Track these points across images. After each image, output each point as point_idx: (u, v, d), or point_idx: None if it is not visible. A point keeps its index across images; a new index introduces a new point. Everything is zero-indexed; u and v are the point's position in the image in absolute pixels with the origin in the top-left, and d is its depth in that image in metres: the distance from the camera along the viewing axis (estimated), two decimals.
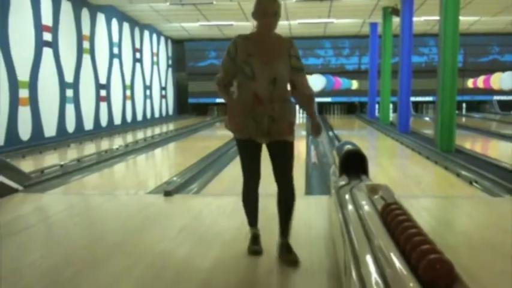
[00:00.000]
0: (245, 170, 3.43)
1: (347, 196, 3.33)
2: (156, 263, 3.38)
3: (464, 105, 24.56)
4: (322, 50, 24.30)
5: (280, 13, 3.24)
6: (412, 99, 17.82)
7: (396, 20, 16.06)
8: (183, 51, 24.53)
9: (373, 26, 19.61)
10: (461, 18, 9.84)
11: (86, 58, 14.34)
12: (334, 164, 4.47)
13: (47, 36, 12.04)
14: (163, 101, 22.63)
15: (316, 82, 24.19)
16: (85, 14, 14.26)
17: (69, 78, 13.22)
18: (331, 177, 4.42)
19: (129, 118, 17.97)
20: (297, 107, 3.68)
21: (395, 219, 2.35)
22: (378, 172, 6.87)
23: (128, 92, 17.95)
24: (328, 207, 4.48)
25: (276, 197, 3.37)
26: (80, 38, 13.89)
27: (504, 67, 24.23)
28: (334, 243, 3.37)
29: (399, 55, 14.06)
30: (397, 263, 1.91)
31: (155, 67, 21.34)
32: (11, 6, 10.51)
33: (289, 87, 3.35)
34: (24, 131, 11.00)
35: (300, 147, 10.62)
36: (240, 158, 3.44)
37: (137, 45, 18.89)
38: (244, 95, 3.26)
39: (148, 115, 20.28)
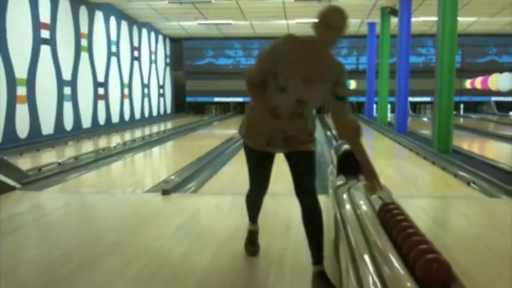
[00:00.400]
0: (252, 178, 3.16)
1: (345, 196, 3.33)
2: (153, 261, 3.38)
3: (462, 105, 24.60)
4: None
5: (345, 30, 2.81)
6: (410, 99, 17.80)
7: (394, 20, 16.07)
8: (181, 49, 24.52)
9: (371, 26, 19.61)
10: (459, 18, 9.85)
11: (84, 56, 14.32)
12: (332, 164, 4.47)
13: (45, 34, 12.02)
14: (161, 99, 22.61)
15: None
16: (83, 11, 14.23)
17: (67, 76, 13.20)
18: (329, 176, 4.42)
19: (127, 116, 17.95)
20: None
21: (392, 219, 2.35)
22: None
23: (126, 90, 17.93)
24: (325, 207, 4.48)
25: (301, 215, 2.96)
26: (78, 35, 13.87)
27: (502, 68, 24.27)
28: (332, 242, 3.37)
29: (397, 55, 14.08)
30: (395, 262, 1.92)
31: (153, 65, 21.32)
32: (8, 3, 10.49)
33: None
34: (22, 128, 10.98)
35: None
36: (247, 165, 3.14)
37: (135, 44, 18.87)
38: (266, 103, 2.88)
39: (146, 113, 20.26)
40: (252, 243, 3.38)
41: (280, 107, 2.83)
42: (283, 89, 2.77)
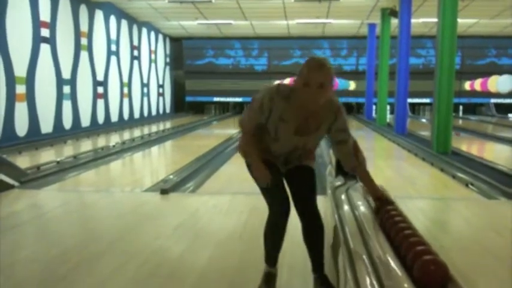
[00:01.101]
0: (270, 197, 2.81)
1: (343, 196, 3.33)
2: (151, 260, 3.38)
3: (461, 107, 24.62)
4: (320, 51, 24.29)
5: (329, 84, 2.55)
6: (409, 100, 17.84)
7: (394, 22, 16.08)
8: (181, 49, 24.51)
9: (371, 27, 19.62)
10: (459, 20, 9.85)
11: (84, 55, 14.32)
12: (331, 164, 4.47)
13: (45, 32, 12.01)
14: (161, 98, 22.61)
15: None
16: (83, 10, 14.23)
17: (66, 74, 13.20)
18: (327, 177, 4.42)
19: (126, 115, 17.95)
20: None
21: (390, 220, 2.36)
22: (374, 173, 6.80)
23: (125, 90, 17.93)
24: (324, 208, 4.48)
25: (302, 230, 2.83)
26: (77, 34, 13.87)
27: (501, 70, 24.29)
28: (330, 243, 3.38)
29: (397, 56, 14.09)
30: (392, 263, 1.92)
31: (153, 65, 21.32)
32: (9, 1, 10.49)
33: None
34: (21, 127, 10.98)
35: None
36: (259, 187, 2.80)
37: (135, 43, 18.86)
38: (261, 149, 2.78)
39: (146, 113, 20.26)
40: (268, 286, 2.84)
41: (275, 152, 2.78)
42: (274, 138, 2.72)
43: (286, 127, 2.65)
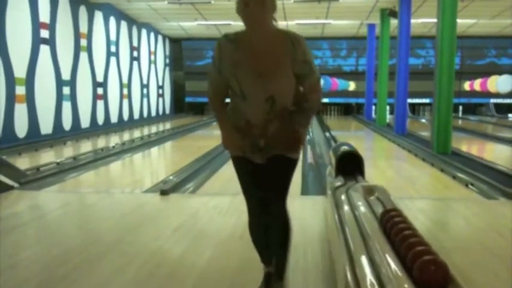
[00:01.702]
0: (246, 195, 2.71)
1: (343, 197, 3.33)
2: (151, 261, 3.38)
3: (460, 107, 24.62)
4: (319, 51, 24.31)
5: (270, 2, 2.42)
6: (409, 101, 17.84)
7: (394, 22, 16.08)
8: (180, 50, 24.52)
9: (371, 27, 19.63)
10: (458, 20, 9.86)
11: (83, 56, 14.32)
12: (331, 165, 4.47)
13: (44, 34, 12.01)
14: (160, 99, 22.61)
15: None
16: (83, 11, 14.23)
17: (66, 75, 13.20)
18: (327, 177, 4.42)
19: (125, 116, 17.94)
20: None
21: (391, 220, 2.35)
22: (374, 173, 6.87)
23: (125, 91, 17.93)
24: (324, 208, 4.48)
25: (267, 226, 2.70)
26: (77, 35, 13.87)
27: (501, 70, 24.29)
28: (330, 243, 3.37)
29: (396, 57, 14.09)
30: (392, 263, 1.92)
31: (152, 66, 21.32)
32: (8, 2, 10.49)
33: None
34: (21, 128, 10.97)
35: None
36: (238, 180, 2.73)
37: (135, 44, 18.86)
38: (235, 119, 2.55)
39: (145, 114, 20.25)
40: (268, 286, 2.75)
41: (250, 119, 2.49)
42: (241, 96, 2.47)
43: (245, 72, 2.42)
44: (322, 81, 2.54)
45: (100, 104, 15.60)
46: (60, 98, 12.84)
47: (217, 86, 2.53)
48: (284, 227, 2.65)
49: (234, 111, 2.55)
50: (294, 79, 2.46)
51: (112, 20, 16.48)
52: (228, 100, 2.63)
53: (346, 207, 3.05)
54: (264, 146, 2.53)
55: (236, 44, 2.44)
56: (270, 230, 2.66)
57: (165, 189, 5.55)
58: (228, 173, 7.50)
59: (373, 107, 19.94)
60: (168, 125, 17.68)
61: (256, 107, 2.46)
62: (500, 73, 24.35)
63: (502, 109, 24.28)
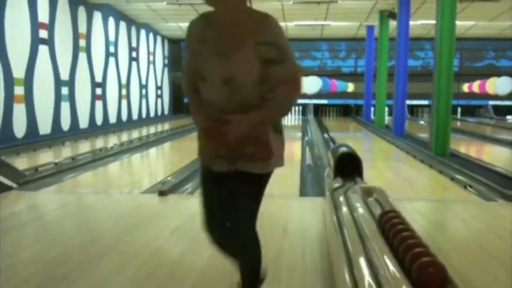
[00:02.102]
0: (203, 211, 2.43)
1: (341, 198, 3.33)
2: (150, 261, 3.38)
3: (459, 109, 24.66)
4: (318, 52, 24.34)
5: None
6: (408, 102, 17.87)
7: (393, 24, 16.09)
8: (179, 50, 24.51)
9: (370, 29, 19.65)
10: (457, 22, 9.87)
11: (82, 56, 14.31)
12: (329, 166, 4.48)
13: (43, 34, 12.00)
14: (159, 100, 22.60)
15: (312, 84, 24.30)
16: (82, 12, 14.22)
17: (64, 76, 13.19)
18: (326, 179, 4.42)
19: (124, 117, 17.94)
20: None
21: (389, 221, 2.36)
22: (372, 175, 6.88)
23: (124, 91, 17.92)
24: (322, 209, 4.48)
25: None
26: (76, 36, 13.86)
27: (499, 72, 24.33)
28: (328, 245, 3.38)
29: (395, 58, 14.10)
30: (390, 265, 1.92)
31: (151, 66, 21.31)
32: (7, 3, 10.48)
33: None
34: (19, 128, 10.96)
35: (295, 148, 10.64)
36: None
37: (133, 44, 18.86)
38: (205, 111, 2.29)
39: (144, 114, 20.24)
40: None
41: (210, 97, 2.22)
42: (203, 77, 2.21)
43: (206, 48, 2.20)
44: (321, 83, 2.36)
45: (99, 104, 15.59)
46: (58, 98, 12.83)
47: (190, 76, 2.29)
48: (252, 255, 2.46)
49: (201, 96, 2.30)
50: (259, 64, 2.13)
51: (111, 21, 16.48)
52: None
53: (344, 209, 3.06)
54: (228, 149, 2.21)
55: (208, 21, 2.22)
56: (239, 249, 2.47)
57: (163, 190, 5.54)
58: None
59: (372, 109, 19.95)
60: (166, 126, 17.67)
61: (213, 90, 2.19)
62: (498, 75, 24.39)
63: (501, 111, 24.32)
